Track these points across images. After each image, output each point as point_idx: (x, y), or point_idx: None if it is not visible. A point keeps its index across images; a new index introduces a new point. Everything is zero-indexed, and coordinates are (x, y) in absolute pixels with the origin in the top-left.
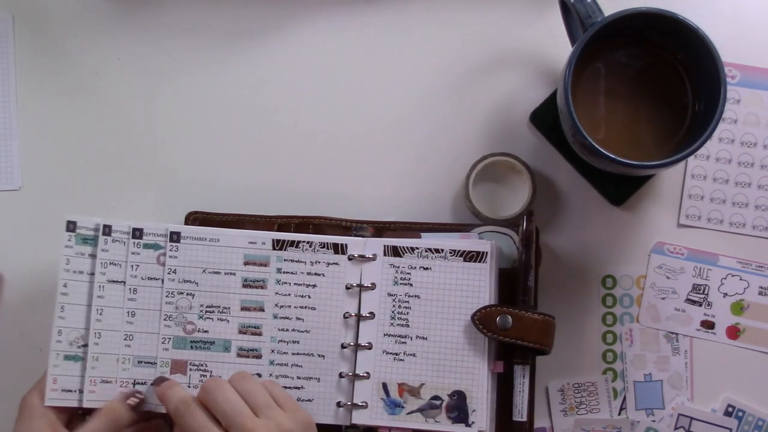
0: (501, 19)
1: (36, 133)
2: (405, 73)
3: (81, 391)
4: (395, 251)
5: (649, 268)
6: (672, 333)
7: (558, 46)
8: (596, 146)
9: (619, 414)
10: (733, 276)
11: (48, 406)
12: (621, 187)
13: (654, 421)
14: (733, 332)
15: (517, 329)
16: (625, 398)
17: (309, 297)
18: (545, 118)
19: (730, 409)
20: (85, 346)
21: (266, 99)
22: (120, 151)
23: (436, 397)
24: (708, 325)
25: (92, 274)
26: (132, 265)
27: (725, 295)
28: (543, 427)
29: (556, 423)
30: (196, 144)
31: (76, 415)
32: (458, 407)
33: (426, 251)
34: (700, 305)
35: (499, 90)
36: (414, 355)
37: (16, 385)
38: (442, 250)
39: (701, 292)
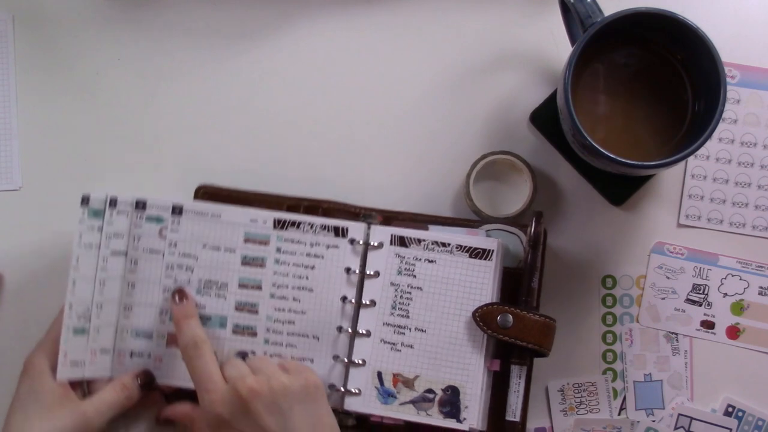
0: (501, 19)
1: (36, 133)
2: (405, 73)
3: (84, 363)
4: (402, 241)
5: (649, 268)
6: (672, 333)
7: (558, 46)
8: (596, 146)
9: (619, 414)
10: (733, 276)
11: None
12: (621, 187)
13: (654, 421)
14: (733, 332)
15: (517, 329)
16: (625, 398)
17: (307, 278)
18: (545, 118)
19: (730, 409)
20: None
21: (266, 99)
22: (120, 151)
23: (429, 391)
24: (708, 325)
25: (99, 247)
26: (134, 237)
27: (725, 295)
28: (543, 427)
29: (556, 423)
30: (196, 144)
31: (77, 382)
32: (451, 402)
33: (432, 244)
34: (700, 305)
35: (499, 90)
36: (411, 346)
37: (16, 384)
38: (449, 245)
39: (701, 292)
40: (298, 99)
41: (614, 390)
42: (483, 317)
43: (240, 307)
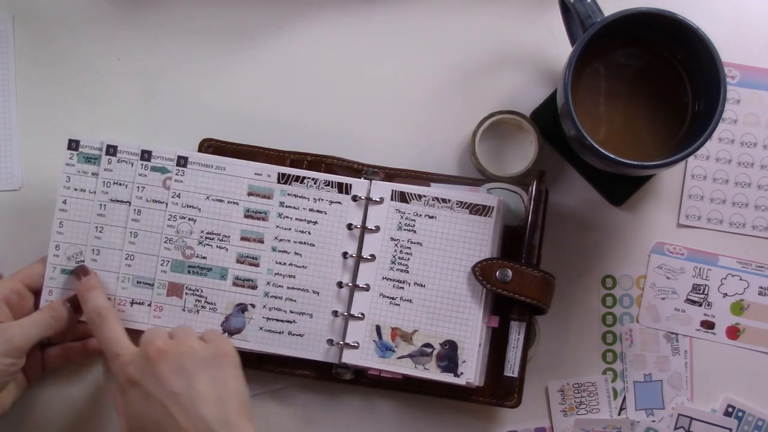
0: (501, 19)
1: (36, 133)
2: (404, 73)
3: None
4: (402, 197)
5: (649, 268)
6: (672, 333)
7: (558, 46)
8: (596, 146)
9: (619, 414)
10: (733, 276)
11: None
12: (621, 187)
13: (654, 421)
14: (733, 332)
15: (516, 284)
16: (625, 398)
17: (309, 233)
18: (545, 118)
19: (730, 409)
20: (83, 261)
21: (265, 100)
22: None
23: (427, 345)
24: (708, 325)
25: (95, 192)
26: (138, 187)
27: (725, 295)
28: (543, 427)
29: (556, 423)
30: (197, 139)
31: None
32: (449, 357)
33: (433, 200)
34: (700, 305)
35: (499, 90)
36: (410, 301)
37: None
38: (449, 201)
39: (701, 292)
40: (296, 98)
41: (614, 390)
42: (482, 271)
43: (241, 259)
